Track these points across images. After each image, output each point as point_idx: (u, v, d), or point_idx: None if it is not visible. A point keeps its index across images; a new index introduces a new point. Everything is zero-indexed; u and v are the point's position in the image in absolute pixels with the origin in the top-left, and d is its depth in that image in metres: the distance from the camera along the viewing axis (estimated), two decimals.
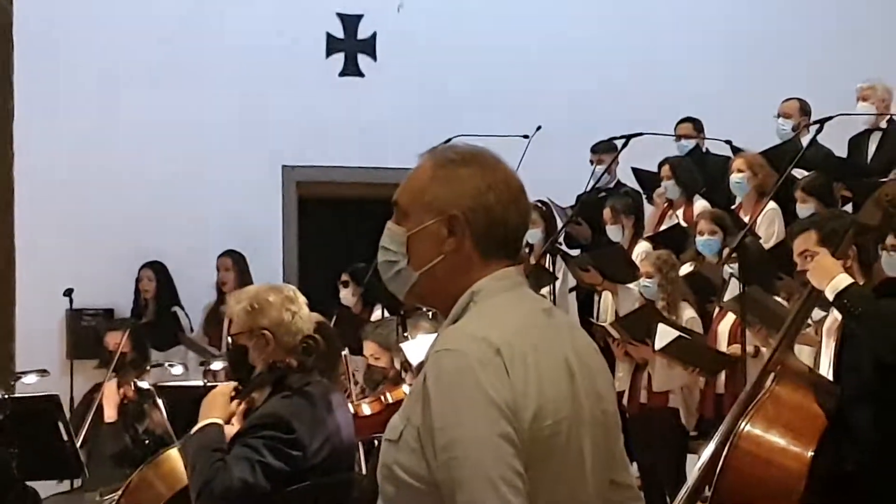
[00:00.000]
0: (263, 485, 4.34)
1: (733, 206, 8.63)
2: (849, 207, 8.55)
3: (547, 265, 8.60)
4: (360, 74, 11.29)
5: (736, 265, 6.56)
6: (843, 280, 4.69)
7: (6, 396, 6.60)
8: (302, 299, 4.73)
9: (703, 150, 10.00)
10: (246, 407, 4.66)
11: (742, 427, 4.58)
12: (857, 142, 9.30)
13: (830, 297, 4.70)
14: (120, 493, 5.17)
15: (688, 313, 7.64)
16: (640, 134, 8.03)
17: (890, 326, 4.63)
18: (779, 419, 4.60)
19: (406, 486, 2.51)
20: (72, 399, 8.74)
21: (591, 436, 2.58)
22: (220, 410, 4.58)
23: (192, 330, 10.33)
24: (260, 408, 4.55)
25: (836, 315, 5.10)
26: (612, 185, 9.82)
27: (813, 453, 4.49)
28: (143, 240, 10.30)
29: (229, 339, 4.74)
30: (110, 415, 7.72)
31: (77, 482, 7.78)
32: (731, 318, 7.34)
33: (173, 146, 10.50)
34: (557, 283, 8.59)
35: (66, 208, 10.10)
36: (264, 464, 4.35)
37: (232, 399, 4.59)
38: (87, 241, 10.12)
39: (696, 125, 10.01)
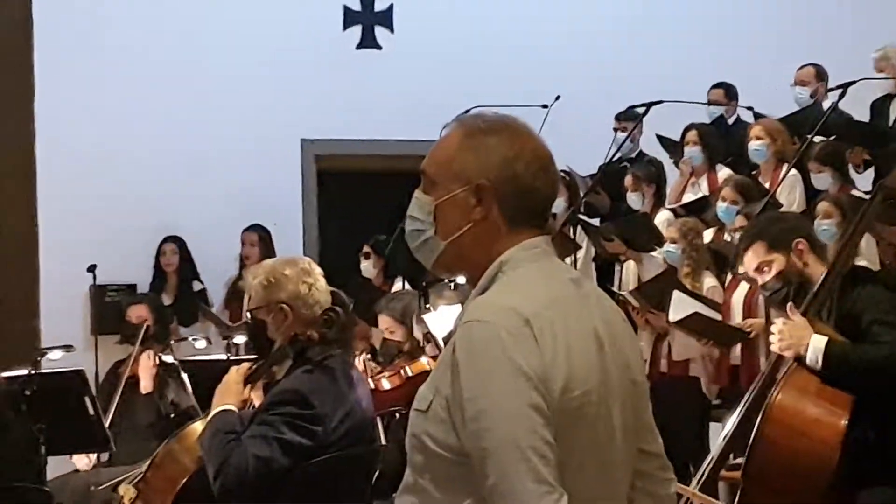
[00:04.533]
0: (281, 461, 4.35)
1: (753, 172, 8.60)
2: (870, 172, 8.54)
3: (569, 234, 8.58)
4: (378, 47, 11.27)
5: None
6: (820, 341, 4.65)
7: (32, 372, 6.61)
8: (318, 271, 4.73)
9: (733, 117, 9.95)
10: (266, 381, 4.68)
11: (774, 397, 4.57)
12: (879, 107, 9.26)
13: (814, 362, 4.64)
14: (146, 467, 5.20)
15: (709, 281, 7.62)
16: (660, 102, 8.01)
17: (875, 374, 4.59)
18: (810, 389, 4.59)
19: (435, 456, 2.52)
20: (97, 374, 8.77)
21: (620, 405, 2.58)
22: (234, 396, 4.60)
23: (212, 304, 10.36)
24: (280, 382, 4.57)
25: None
26: (634, 153, 9.80)
27: (847, 422, 4.48)
28: (164, 215, 10.33)
29: (248, 314, 4.75)
30: (146, 385, 7.76)
31: (104, 456, 7.81)
32: (744, 287, 7.30)
33: (193, 121, 10.51)
34: (580, 253, 8.58)
35: (88, 185, 10.12)
36: (282, 440, 4.35)
37: (248, 378, 4.60)
38: (110, 217, 10.14)
39: (729, 92, 9.96)
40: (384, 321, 7.24)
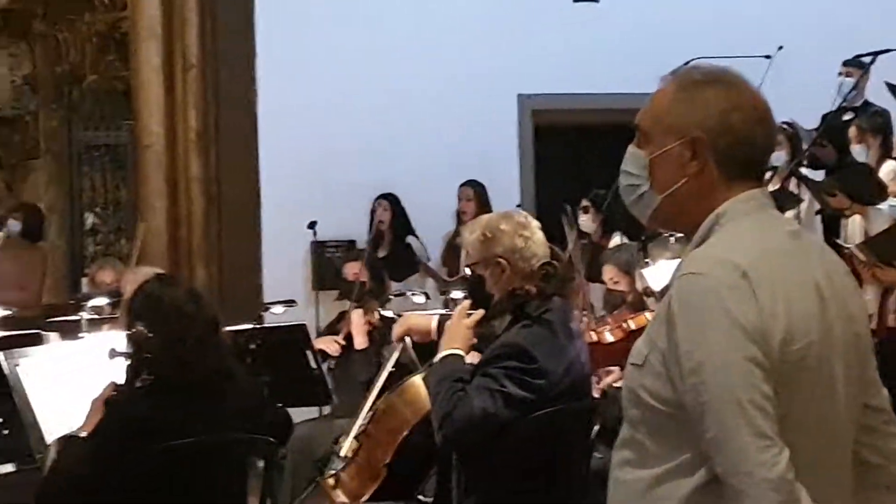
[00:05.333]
0: (504, 414, 4.36)
1: None
2: None
3: (791, 188, 8.41)
4: (595, 0, 11.17)
5: None
6: None
7: (256, 327, 6.76)
8: (535, 224, 4.73)
9: None
10: (488, 335, 4.69)
11: None
12: None
13: None
14: (367, 419, 5.26)
15: None
16: (889, 50, 7.77)
17: None
18: None
19: (651, 410, 2.51)
20: (318, 329, 8.92)
21: (842, 359, 2.53)
22: (462, 341, 4.62)
23: (428, 259, 10.43)
24: (501, 336, 4.58)
25: None
26: (858, 103, 9.53)
27: None
28: (381, 172, 10.42)
29: (466, 270, 4.76)
30: (361, 342, 7.87)
31: (325, 409, 7.96)
32: None
33: (409, 77, 10.57)
34: (803, 206, 8.41)
35: (307, 143, 10.26)
36: (505, 393, 4.37)
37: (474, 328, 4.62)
38: (329, 175, 10.27)
39: None
40: (609, 271, 7.24)
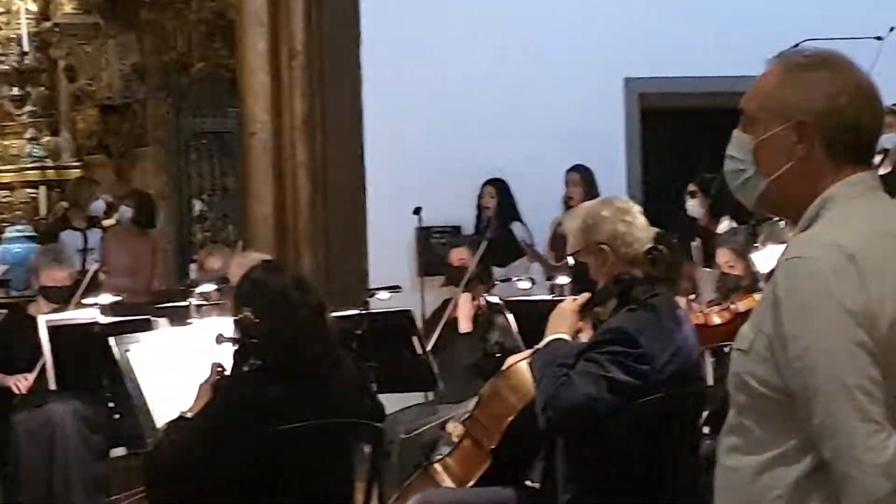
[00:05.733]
0: (609, 399, 4.34)
1: None
2: None
3: None
4: None
5: None
6: None
7: (362, 312, 6.79)
8: (637, 209, 4.71)
9: None
10: (593, 321, 4.68)
11: None
12: None
13: None
14: (473, 405, 5.27)
15: None
16: None
17: None
18: None
19: (758, 396, 2.50)
20: (423, 315, 8.94)
21: None
22: (567, 326, 4.62)
23: (531, 245, 10.40)
24: (606, 322, 4.56)
25: None
26: None
27: None
28: (487, 157, 10.40)
29: (570, 258, 4.76)
30: (466, 327, 7.89)
31: (430, 395, 7.98)
32: None
33: (514, 61, 10.55)
34: None
35: (412, 128, 10.27)
36: (610, 378, 4.35)
37: (581, 310, 4.62)
38: (434, 160, 10.27)
39: None
40: (724, 255, 7.19)
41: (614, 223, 4.62)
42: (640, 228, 4.64)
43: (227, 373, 4.63)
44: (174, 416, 4.68)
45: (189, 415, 4.58)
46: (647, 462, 4.51)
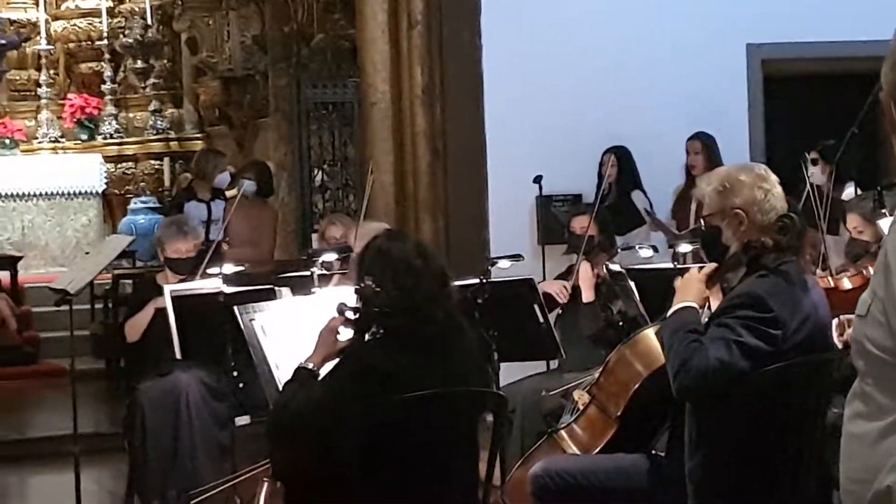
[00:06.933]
0: (740, 364, 4.33)
1: None
2: None
3: None
4: None
5: None
6: None
7: (483, 281, 6.77)
8: (774, 178, 4.70)
9: None
10: (722, 287, 4.65)
11: None
12: None
13: None
14: (598, 372, 5.26)
15: None
16: None
17: None
18: None
19: (875, 360, 2.47)
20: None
21: None
22: (695, 294, 4.61)
23: (653, 213, 10.30)
24: (735, 287, 4.53)
25: None
26: None
27: None
28: (608, 125, 10.33)
29: (702, 221, 4.73)
30: (588, 296, 7.85)
31: (553, 363, 7.95)
32: None
33: (634, 29, 10.45)
34: None
35: (532, 97, 10.23)
36: (741, 343, 4.34)
37: (708, 278, 4.59)
38: (555, 128, 10.22)
39: None
40: (853, 220, 7.12)
41: (752, 189, 4.60)
42: (776, 197, 4.63)
43: (349, 337, 4.60)
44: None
45: (309, 364, 4.56)
46: (774, 430, 4.47)
